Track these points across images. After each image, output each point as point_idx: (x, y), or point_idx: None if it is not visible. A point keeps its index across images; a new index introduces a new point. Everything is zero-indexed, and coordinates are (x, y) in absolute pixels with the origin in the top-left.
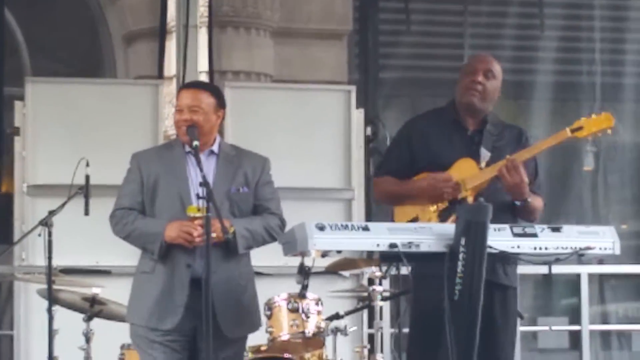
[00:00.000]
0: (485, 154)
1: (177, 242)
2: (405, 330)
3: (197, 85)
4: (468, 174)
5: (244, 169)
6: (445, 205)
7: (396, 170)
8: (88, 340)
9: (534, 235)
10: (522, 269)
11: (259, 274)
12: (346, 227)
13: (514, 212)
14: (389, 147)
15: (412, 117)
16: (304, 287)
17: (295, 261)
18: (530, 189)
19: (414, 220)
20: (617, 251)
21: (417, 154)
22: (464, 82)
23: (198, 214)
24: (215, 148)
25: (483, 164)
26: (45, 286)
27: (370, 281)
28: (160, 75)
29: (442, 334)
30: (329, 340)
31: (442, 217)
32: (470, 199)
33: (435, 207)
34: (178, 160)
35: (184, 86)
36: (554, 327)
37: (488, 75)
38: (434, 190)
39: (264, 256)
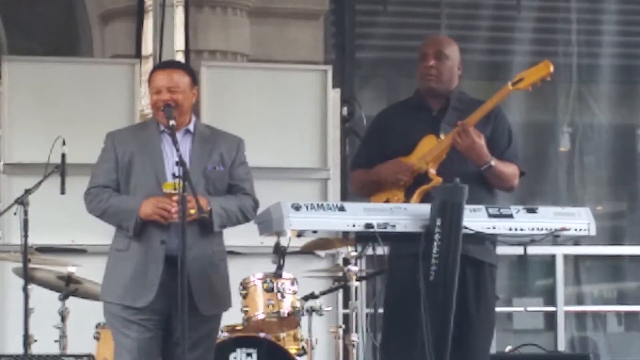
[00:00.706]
0: (445, 128)
1: (152, 218)
2: (381, 310)
3: (171, 65)
4: (428, 148)
5: (219, 148)
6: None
7: (367, 161)
8: (63, 318)
9: (510, 216)
10: (497, 250)
11: (235, 253)
12: (322, 207)
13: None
14: (361, 141)
15: (382, 109)
16: (280, 267)
17: (271, 241)
18: (502, 157)
19: (386, 202)
20: (593, 232)
21: (386, 141)
22: (419, 69)
23: (174, 191)
24: (191, 127)
25: (442, 137)
26: (20, 265)
27: (346, 261)
28: (138, 54)
29: (417, 314)
30: (304, 320)
31: (408, 194)
32: (432, 171)
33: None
34: (153, 139)
35: (158, 67)
36: (529, 308)
37: (440, 56)
38: (392, 176)
39: (240, 236)
